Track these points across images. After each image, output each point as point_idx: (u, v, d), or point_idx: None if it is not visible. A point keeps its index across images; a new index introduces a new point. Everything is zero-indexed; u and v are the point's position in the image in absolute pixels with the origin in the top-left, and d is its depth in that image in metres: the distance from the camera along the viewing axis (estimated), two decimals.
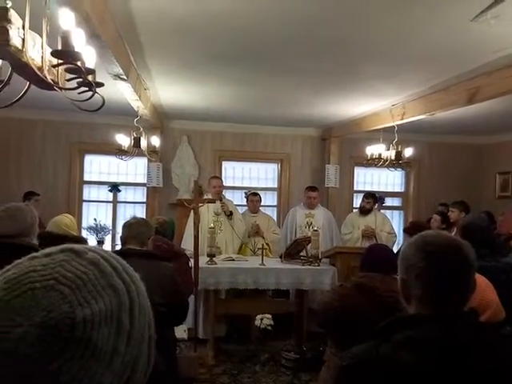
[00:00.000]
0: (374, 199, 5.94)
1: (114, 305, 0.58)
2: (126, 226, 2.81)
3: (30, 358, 0.51)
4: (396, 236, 5.96)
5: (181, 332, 3.87)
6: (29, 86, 1.60)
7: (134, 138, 4.50)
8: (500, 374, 1.06)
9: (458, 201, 5.13)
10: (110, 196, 6.79)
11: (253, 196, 5.92)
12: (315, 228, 5.05)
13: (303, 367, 4.32)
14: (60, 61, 1.47)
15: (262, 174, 7.31)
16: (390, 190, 7.56)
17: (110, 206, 6.84)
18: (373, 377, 1.08)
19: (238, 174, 7.22)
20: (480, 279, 1.89)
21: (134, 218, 2.97)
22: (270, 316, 4.58)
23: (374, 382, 1.08)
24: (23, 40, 1.33)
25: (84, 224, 6.53)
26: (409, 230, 4.47)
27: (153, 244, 2.88)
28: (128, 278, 0.63)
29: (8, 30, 1.25)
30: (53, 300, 0.54)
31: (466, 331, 1.09)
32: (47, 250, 0.61)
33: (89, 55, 1.60)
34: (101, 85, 1.67)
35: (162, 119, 6.39)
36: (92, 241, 6.12)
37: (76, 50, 1.44)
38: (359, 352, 1.14)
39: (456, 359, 1.05)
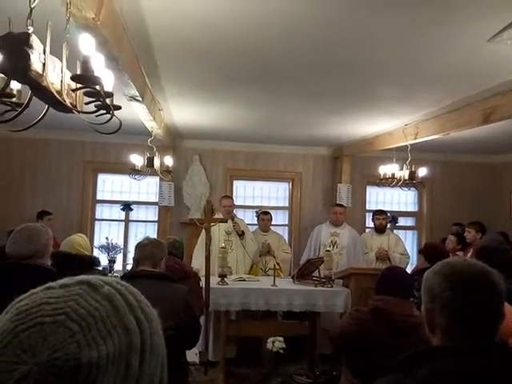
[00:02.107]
0: (386, 214, 5.90)
1: (123, 346, 0.54)
2: (139, 246, 2.78)
3: None
4: (409, 257, 5.86)
5: (192, 355, 3.80)
6: (47, 109, 1.62)
7: (148, 158, 4.53)
8: None
9: (474, 221, 5.05)
10: (122, 215, 6.82)
11: (264, 215, 5.91)
12: (328, 248, 4.99)
13: None
14: (79, 85, 1.48)
15: (273, 193, 7.29)
16: (402, 209, 7.47)
17: (122, 224, 6.86)
18: None
19: (249, 193, 7.21)
20: None
21: (147, 238, 2.95)
22: (281, 339, 4.49)
23: None
24: (44, 65, 1.35)
25: (96, 243, 6.54)
26: (424, 252, 4.38)
27: (164, 264, 2.85)
28: (143, 315, 0.59)
29: (30, 56, 1.26)
30: (60, 338, 0.51)
31: (505, 365, 1.04)
32: (64, 281, 0.59)
33: (107, 79, 1.62)
34: (118, 108, 1.68)
35: (174, 138, 6.44)
36: (104, 260, 6.12)
37: (95, 74, 1.45)
38: None
39: None
